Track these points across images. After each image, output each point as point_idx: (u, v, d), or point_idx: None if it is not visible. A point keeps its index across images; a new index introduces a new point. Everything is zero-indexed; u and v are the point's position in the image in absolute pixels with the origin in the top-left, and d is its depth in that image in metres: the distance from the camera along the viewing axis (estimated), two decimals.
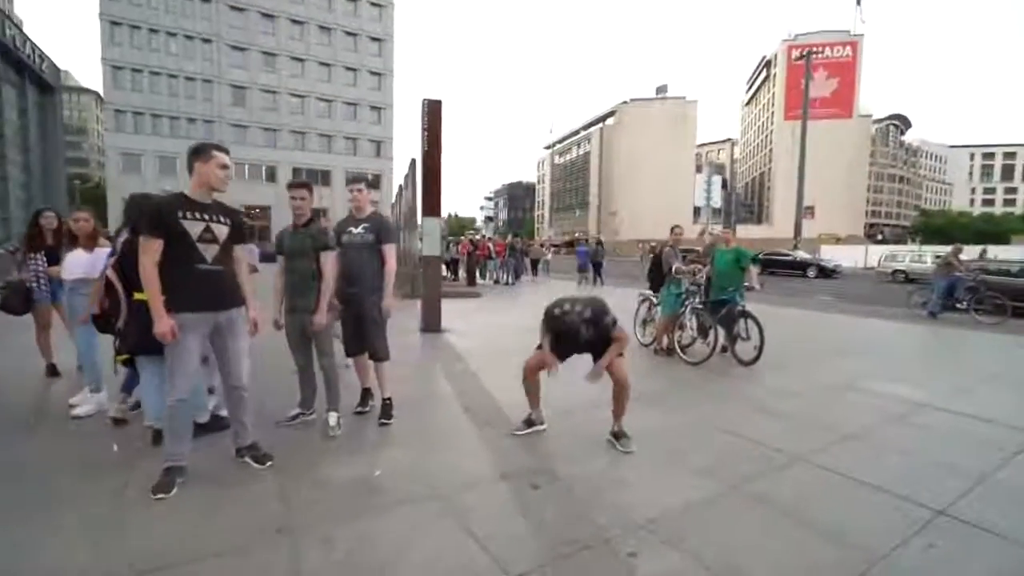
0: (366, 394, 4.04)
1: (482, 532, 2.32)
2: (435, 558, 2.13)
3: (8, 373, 4.85)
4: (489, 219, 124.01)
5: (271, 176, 44.68)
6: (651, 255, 6.89)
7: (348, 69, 47.55)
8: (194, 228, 2.70)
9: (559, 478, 2.88)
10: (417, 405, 4.18)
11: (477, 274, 17.86)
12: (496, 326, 8.65)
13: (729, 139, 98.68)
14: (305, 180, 3.55)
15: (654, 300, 6.88)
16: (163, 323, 2.61)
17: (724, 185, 53.54)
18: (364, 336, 3.79)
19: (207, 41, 42.00)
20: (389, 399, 3.86)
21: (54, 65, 20.84)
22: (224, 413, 3.73)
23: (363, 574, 2.04)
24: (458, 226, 71.31)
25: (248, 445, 3.05)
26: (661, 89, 77.59)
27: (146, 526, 2.36)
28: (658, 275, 6.39)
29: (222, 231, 2.83)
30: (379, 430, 3.62)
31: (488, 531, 2.33)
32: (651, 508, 2.55)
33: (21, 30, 18.50)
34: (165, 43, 40.86)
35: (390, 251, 3.77)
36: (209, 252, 2.76)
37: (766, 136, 76.65)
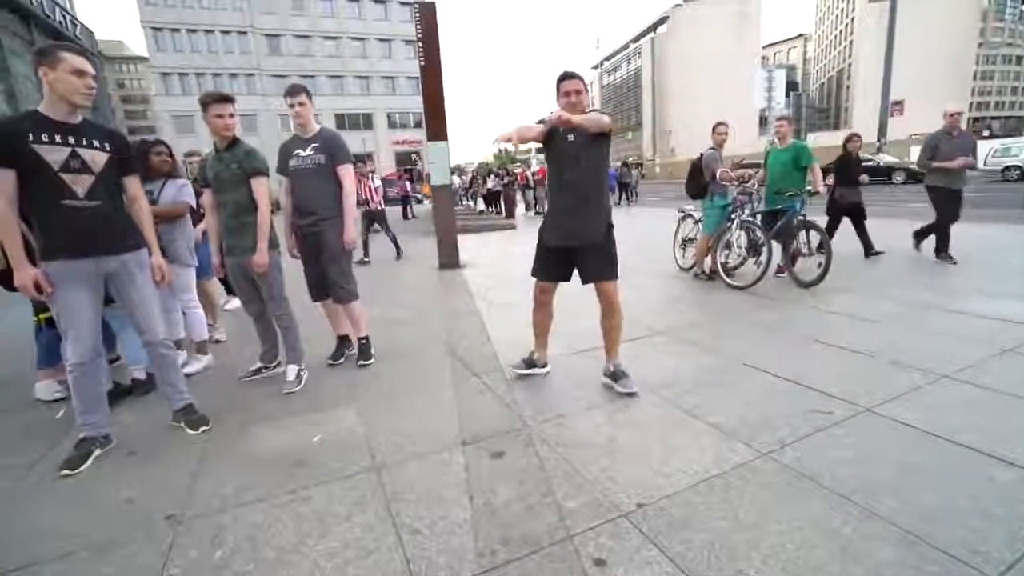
0: (341, 343, 3.56)
1: (410, 521, 1.77)
2: (334, 561, 1.60)
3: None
4: (540, 150, 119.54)
5: None
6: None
7: (377, 2, 45.35)
8: (54, 155, 2.15)
9: (533, 443, 2.25)
10: (400, 353, 3.65)
11: (531, 205, 16.87)
12: (521, 259, 7.93)
13: (801, 35, 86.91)
14: (227, 93, 2.88)
15: (695, 216, 5.87)
16: (21, 274, 2.14)
17: (794, 87, 47.09)
18: (325, 276, 3.27)
19: None
20: (366, 338, 3.45)
21: (88, 30, 20.93)
22: (191, 369, 3.44)
23: None
24: (510, 160, 69.30)
25: (182, 408, 2.64)
26: None
27: (31, 511, 2.00)
28: (698, 184, 5.33)
29: (98, 158, 2.26)
30: (344, 385, 3.12)
31: (418, 520, 1.77)
32: (644, 487, 1.88)
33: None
34: None
35: (346, 173, 3.18)
36: (80, 185, 2.21)
37: (846, 25, 66.67)
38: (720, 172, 4.98)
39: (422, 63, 6.60)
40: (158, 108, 42.44)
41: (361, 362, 3.37)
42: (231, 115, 2.84)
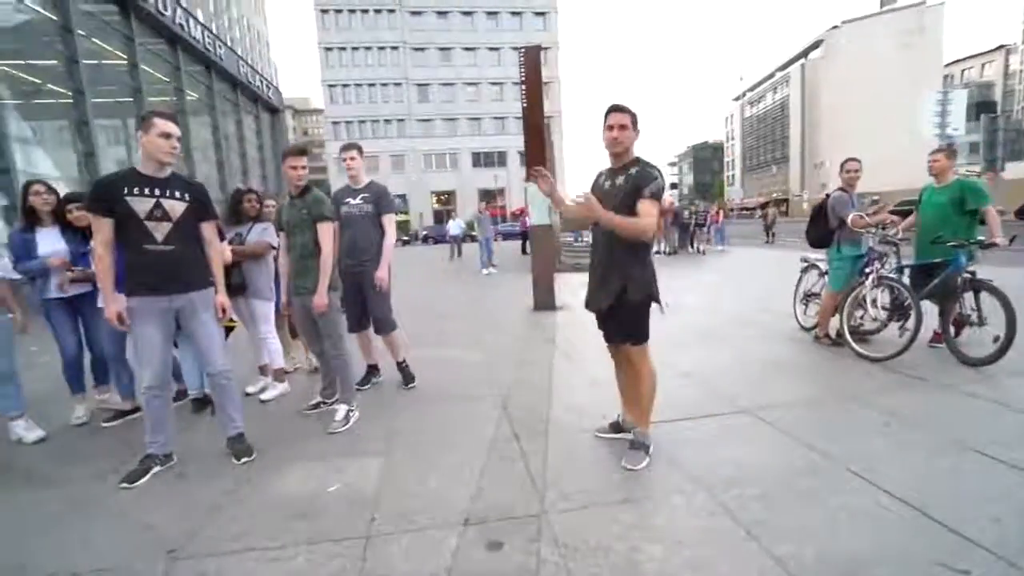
0: (370, 371, 3.86)
1: None
2: None
3: None
4: (673, 185, 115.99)
5: (453, 163, 48.80)
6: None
7: (514, 49, 48.27)
8: (141, 205, 2.45)
9: (540, 536, 1.92)
10: (455, 400, 3.54)
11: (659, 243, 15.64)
12: None
13: (1002, 46, 72.88)
14: (303, 146, 3.20)
15: (821, 267, 4.97)
16: (108, 308, 2.45)
17: (989, 108, 38.67)
18: (367, 310, 3.62)
19: (395, 48, 47.04)
20: (404, 362, 3.82)
21: (278, 90, 25.38)
22: (268, 395, 3.70)
23: None
24: None
25: (233, 436, 2.80)
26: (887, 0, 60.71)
27: (80, 519, 2.22)
28: (822, 231, 4.51)
29: (176, 208, 2.53)
30: (386, 431, 3.06)
31: None
32: None
33: (253, 67, 22.89)
34: (364, 57, 47.03)
35: (389, 221, 3.53)
36: (159, 231, 2.49)
37: None
38: (851, 217, 4.14)
39: (524, 104, 6.69)
40: (328, 151, 49.53)
41: (410, 385, 3.76)
42: (303, 167, 3.06)
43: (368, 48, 46.84)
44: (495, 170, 48.71)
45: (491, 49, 48.41)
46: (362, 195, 3.46)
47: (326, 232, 3.05)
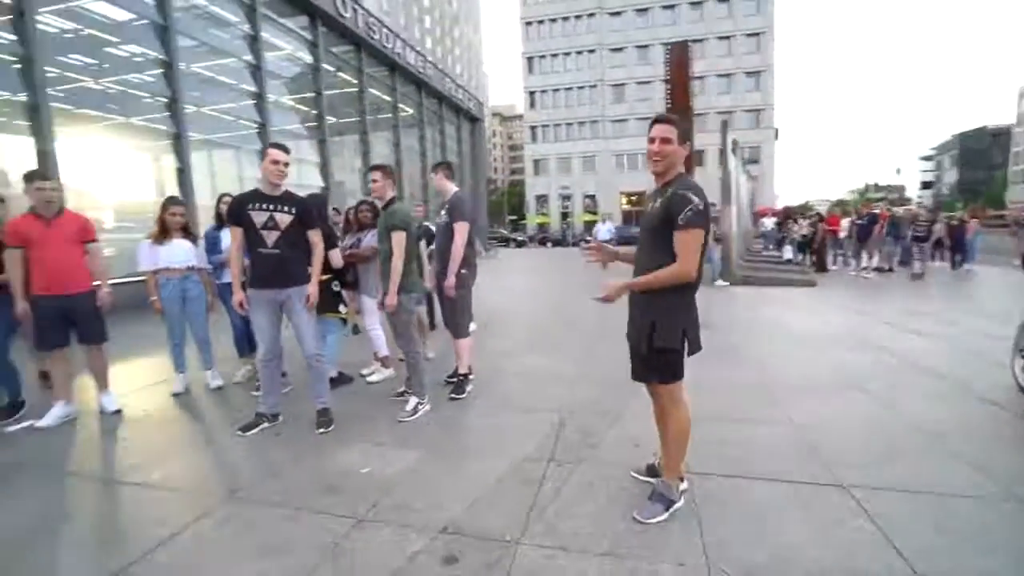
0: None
1: None
2: None
3: None
4: (927, 184, 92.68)
5: (645, 163, 47.20)
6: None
7: (721, 39, 44.63)
8: (259, 218, 3.10)
9: (496, 566, 1.88)
10: (524, 409, 3.59)
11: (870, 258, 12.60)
12: (789, 330, 6.45)
13: None
14: (381, 164, 3.66)
15: None
16: (235, 296, 3.17)
17: None
18: (444, 313, 3.96)
19: (592, 51, 47.71)
20: (464, 375, 3.89)
21: (479, 102, 28.14)
22: (374, 378, 4.28)
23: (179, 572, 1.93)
24: (862, 199, 56.89)
25: (319, 409, 3.35)
26: None
27: (189, 453, 3.01)
28: None
29: (284, 219, 3.14)
30: (444, 427, 3.31)
31: None
32: None
33: (456, 82, 25.81)
34: (562, 63, 48.86)
35: (457, 229, 3.67)
36: (270, 238, 3.12)
37: None
38: None
39: (668, 105, 6.24)
40: (526, 154, 52.89)
41: (452, 395, 3.77)
42: (375, 180, 3.47)
43: (567, 54, 48.53)
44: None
45: (695, 41, 45.40)
46: (445, 207, 3.77)
47: (397, 240, 3.37)
